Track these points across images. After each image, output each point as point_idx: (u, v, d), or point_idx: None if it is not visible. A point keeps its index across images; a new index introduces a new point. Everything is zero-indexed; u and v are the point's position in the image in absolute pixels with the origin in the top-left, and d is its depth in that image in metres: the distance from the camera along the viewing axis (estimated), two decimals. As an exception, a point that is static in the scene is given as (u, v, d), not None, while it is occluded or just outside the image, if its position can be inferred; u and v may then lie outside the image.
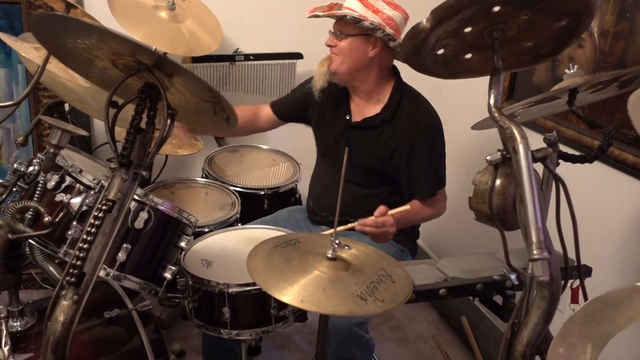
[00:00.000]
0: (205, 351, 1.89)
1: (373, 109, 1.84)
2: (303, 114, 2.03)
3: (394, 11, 1.73)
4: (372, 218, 1.62)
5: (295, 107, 2.06)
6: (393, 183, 1.86)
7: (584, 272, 1.41)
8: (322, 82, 1.86)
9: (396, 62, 1.88)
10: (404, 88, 1.85)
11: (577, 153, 1.28)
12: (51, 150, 1.36)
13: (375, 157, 1.83)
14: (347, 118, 1.88)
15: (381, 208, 1.62)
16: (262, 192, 2.15)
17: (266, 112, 2.12)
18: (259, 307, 1.46)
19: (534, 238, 0.93)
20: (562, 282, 1.04)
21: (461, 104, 2.50)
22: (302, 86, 2.03)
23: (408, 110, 1.80)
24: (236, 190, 2.11)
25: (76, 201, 1.35)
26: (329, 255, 1.15)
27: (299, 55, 2.60)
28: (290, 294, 1.05)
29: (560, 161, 1.16)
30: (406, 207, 1.68)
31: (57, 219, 1.37)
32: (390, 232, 1.63)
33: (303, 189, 2.20)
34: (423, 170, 1.80)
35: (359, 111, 1.88)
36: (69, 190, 1.40)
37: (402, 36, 1.40)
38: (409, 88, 1.87)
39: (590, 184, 1.78)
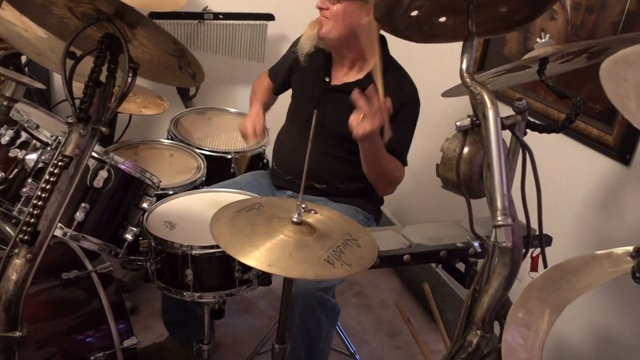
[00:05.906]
0: (165, 312, 1.88)
1: (355, 76, 1.80)
2: (290, 80, 1.98)
3: None
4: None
5: (286, 77, 1.99)
6: None
7: (545, 241, 1.44)
8: (309, 46, 1.80)
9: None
10: (390, 60, 1.81)
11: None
12: (5, 103, 1.30)
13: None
14: (327, 80, 1.84)
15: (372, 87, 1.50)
16: (229, 156, 2.12)
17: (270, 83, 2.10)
18: (222, 270, 1.44)
19: (499, 204, 0.94)
20: (523, 250, 1.06)
21: (432, 70, 2.49)
22: (289, 52, 1.97)
23: (391, 82, 1.73)
24: (202, 154, 2.06)
25: (32, 157, 1.30)
26: (295, 220, 1.13)
27: (270, 17, 2.53)
28: (257, 258, 1.04)
29: (527, 132, 1.17)
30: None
31: (11, 176, 1.31)
32: (375, 123, 1.50)
33: (272, 153, 2.17)
34: (397, 138, 1.73)
35: (339, 76, 1.84)
36: (24, 146, 1.34)
37: None
38: (395, 61, 1.82)
39: (555, 156, 1.81)
